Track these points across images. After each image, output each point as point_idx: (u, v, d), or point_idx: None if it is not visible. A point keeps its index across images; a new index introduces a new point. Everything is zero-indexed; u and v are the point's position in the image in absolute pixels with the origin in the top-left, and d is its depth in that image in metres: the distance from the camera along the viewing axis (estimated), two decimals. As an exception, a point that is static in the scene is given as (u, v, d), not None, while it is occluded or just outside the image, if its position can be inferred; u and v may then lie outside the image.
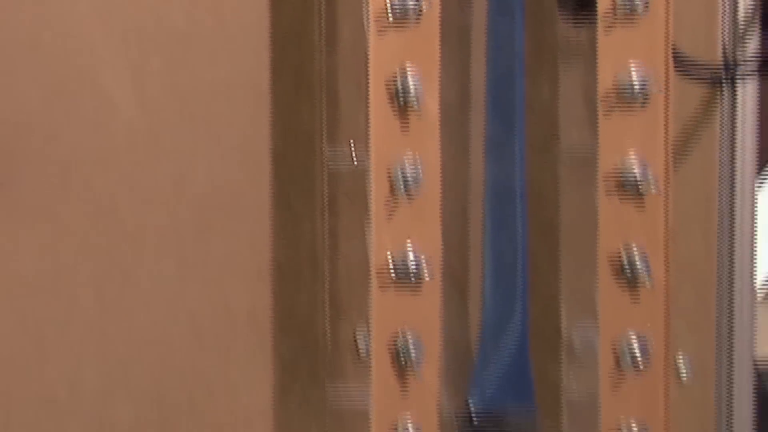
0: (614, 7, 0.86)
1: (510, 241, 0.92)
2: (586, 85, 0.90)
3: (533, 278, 0.94)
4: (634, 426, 0.87)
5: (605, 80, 0.87)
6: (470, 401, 0.94)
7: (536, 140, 0.95)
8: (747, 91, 0.99)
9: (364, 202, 0.90)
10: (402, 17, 0.86)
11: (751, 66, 1.00)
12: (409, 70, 0.87)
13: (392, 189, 0.88)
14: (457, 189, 0.98)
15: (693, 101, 1.00)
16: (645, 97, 0.86)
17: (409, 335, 0.89)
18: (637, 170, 0.86)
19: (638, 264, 0.85)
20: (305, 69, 1.02)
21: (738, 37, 1.00)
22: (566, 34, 0.98)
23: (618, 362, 0.87)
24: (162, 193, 1.02)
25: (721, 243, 0.94)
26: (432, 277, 0.88)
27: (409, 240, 0.88)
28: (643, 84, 0.86)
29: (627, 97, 0.86)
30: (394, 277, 0.88)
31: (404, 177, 0.88)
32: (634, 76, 0.86)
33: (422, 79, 0.87)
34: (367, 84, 0.87)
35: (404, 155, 0.88)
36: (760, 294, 1.03)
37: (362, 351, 0.98)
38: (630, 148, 0.85)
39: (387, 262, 0.88)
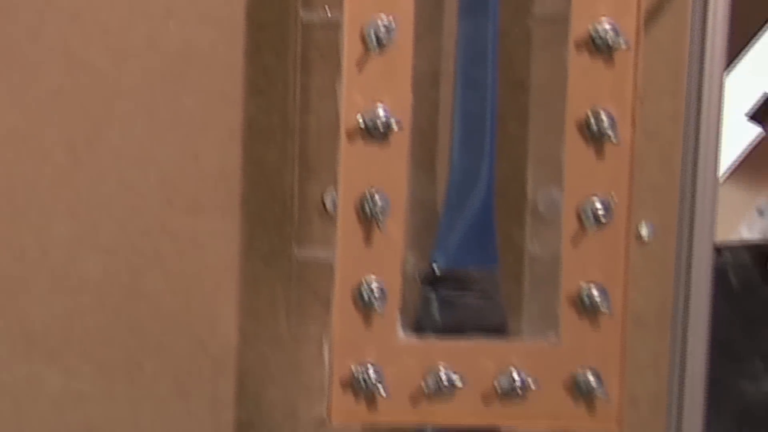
0: None
1: (480, 102, 0.92)
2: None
3: (501, 140, 0.94)
4: (594, 288, 0.89)
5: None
6: (433, 261, 0.95)
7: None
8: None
9: (336, 59, 0.91)
10: None
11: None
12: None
13: (364, 44, 0.89)
14: (429, 49, 0.98)
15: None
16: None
17: (375, 190, 0.90)
18: (607, 25, 0.86)
19: (605, 123, 0.86)
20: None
21: None
22: None
23: (581, 222, 0.88)
24: (135, 50, 1.02)
25: (688, 111, 0.95)
26: (400, 131, 0.88)
27: (379, 95, 0.89)
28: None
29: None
30: (363, 130, 0.89)
31: (377, 33, 0.88)
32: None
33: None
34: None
35: (378, 13, 0.88)
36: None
37: (329, 209, 1.00)
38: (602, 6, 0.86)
39: (356, 117, 0.89)
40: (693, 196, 0.97)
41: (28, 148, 1.04)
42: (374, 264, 0.92)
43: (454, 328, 0.92)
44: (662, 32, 0.97)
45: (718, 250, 1.02)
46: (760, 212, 1.12)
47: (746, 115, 1.09)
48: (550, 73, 0.93)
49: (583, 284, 0.90)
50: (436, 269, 0.94)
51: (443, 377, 0.90)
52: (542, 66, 0.96)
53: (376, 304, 0.91)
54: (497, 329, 0.93)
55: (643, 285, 0.95)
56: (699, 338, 0.99)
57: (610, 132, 0.86)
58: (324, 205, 1.01)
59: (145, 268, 1.05)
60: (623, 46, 0.87)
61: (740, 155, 1.10)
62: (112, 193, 1.04)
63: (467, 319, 0.93)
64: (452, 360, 0.90)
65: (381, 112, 0.89)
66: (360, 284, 0.91)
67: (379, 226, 0.90)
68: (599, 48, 0.87)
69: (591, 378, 0.89)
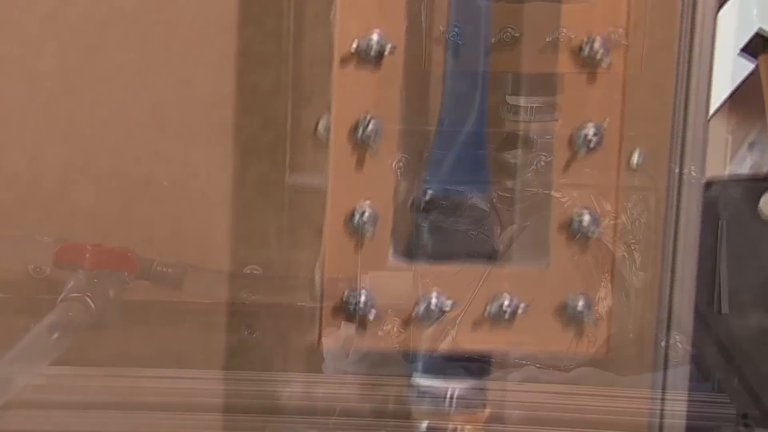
0: None
1: (474, 26, 0.92)
2: None
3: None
4: (586, 213, 0.90)
5: None
6: (425, 188, 0.96)
7: None
8: None
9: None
10: None
11: None
12: None
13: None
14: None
15: None
16: None
17: (369, 116, 0.90)
18: None
19: (597, 47, 0.87)
20: None
21: None
22: None
23: (573, 148, 0.89)
24: (129, -23, 1.02)
25: (680, 44, 0.95)
26: (393, 54, 0.89)
27: (373, 21, 0.89)
28: None
29: None
30: (356, 56, 0.89)
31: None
32: None
33: None
34: None
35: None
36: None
37: (322, 135, 1.00)
38: None
39: (350, 43, 0.89)
40: (684, 128, 0.97)
41: (21, 75, 1.03)
42: (366, 190, 0.92)
43: (445, 254, 0.93)
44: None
45: (708, 184, 1.02)
46: (751, 147, 1.13)
47: (739, 50, 1.09)
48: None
49: (575, 211, 0.90)
50: (427, 195, 0.95)
51: (433, 302, 0.90)
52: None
53: (367, 229, 0.91)
54: (488, 255, 0.93)
55: (633, 213, 0.96)
56: (687, 271, 0.99)
57: (604, 58, 0.87)
58: (317, 131, 1.01)
59: (137, 195, 1.05)
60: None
61: (732, 90, 1.10)
62: (105, 120, 1.04)
63: (458, 245, 0.93)
64: (442, 285, 0.91)
65: (375, 38, 0.89)
66: (352, 210, 0.92)
67: (371, 152, 0.91)
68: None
69: (580, 304, 0.90)
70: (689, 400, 0.89)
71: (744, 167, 1.13)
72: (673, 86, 0.92)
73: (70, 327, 0.92)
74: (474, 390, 0.93)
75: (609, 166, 0.88)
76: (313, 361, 0.96)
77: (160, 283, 1.02)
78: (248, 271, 1.06)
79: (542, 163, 0.91)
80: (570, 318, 0.91)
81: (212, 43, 1.02)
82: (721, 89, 1.10)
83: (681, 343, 0.94)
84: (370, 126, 0.90)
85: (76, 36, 1.02)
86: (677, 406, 0.89)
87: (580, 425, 0.89)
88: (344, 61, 0.90)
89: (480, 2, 0.92)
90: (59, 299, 0.96)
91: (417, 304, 0.90)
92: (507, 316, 0.90)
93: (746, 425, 0.89)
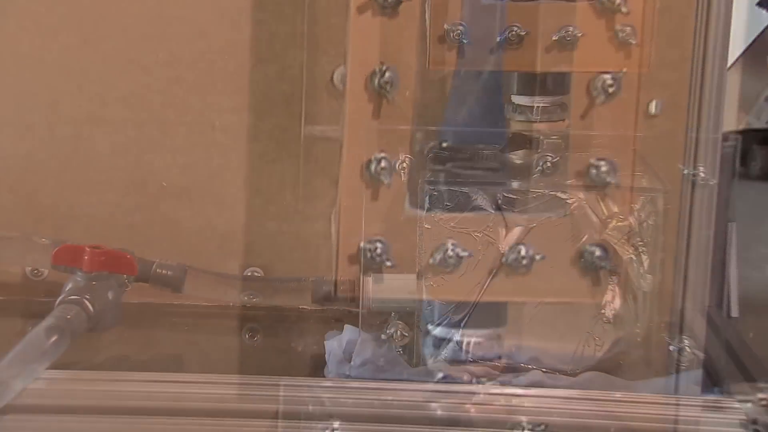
0: None
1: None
2: None
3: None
4: (603, 163, 0.89)
5: None
6: (443, 140, 0.95)
7: None
8: None
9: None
10: None
11: None
12: None
13: None
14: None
15: None
16: None
17: (385, 64, 0.90)
18: None
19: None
20: None
21: None
22: None
23: (591, 96, 0.89)
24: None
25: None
26: (410, 1, 0.88)
27: (389, -33, 0.89)
28: None
29: None
30: (373, 3, 0.89)
31: None
32: None
33: None
34: None
35: None
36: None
37: (338, 85, 0.99)
38: None
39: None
40: (702, 78, 0.97)
41: (35, 27, 1.04)
42: (382, 139, 0.92)
43: (461, 205, 0.92)
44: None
45: (725, 136, 1.02)
46: (768, 100, 1.13)
47: (756, 3, 1.09)
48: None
49: (591, 161, 0.90)
50: (444, 145, 0.94)
51: (450, 251, 0.90)
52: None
53: (384, 177, 0.91)
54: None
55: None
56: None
57: (623, 5, 0.86)
58: (333, 82, 1.01)
59: (152, 145, 1.05)
60: None
61: (749, 43, 1.09)
62: (120, 71, 1.04)
63: (473, 194, 0.93)
64: (459, 235, 0.90)
65: (391, -20, 0.89)
66: (368, 160, 0.91)
67: (387, 100, 0.90)
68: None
69: (598, 252, 0.90)
70: (698, 406, 0.88)
71: (762, 120, 1.13)
72: (691, 37, 0.91)
73: (68, 330, 0.90)
74: (489, 340, 0.92)
75: (626, 111, 0.88)
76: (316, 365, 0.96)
77: (160, 286, 1.01)
78: (249, 274, 1.07)
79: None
80: (587, 266, 0.91)
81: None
82: (738, 41, 1.09)
83: (690, 347, 0.92)
84: (387, 75, 0.90)
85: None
86: (687, 412, 0.88)
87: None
88: (361, 8, 0.90)
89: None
90: (57, 302, 0.95)
91: (433, 252, 0.90)
92: (524, 263, 0.90)
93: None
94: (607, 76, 0.88)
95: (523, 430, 0.82)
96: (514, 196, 0.88)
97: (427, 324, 0.92)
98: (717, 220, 0.93)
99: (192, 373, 0.92)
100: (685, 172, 0.91)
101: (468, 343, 0.91)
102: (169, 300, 1.04)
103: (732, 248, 1.04)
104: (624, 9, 0.87)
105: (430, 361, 0.91)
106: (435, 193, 0.90)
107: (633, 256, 0.89)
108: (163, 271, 1.01)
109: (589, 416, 0.84)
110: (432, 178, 0.91)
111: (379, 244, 0.92)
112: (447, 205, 0.90)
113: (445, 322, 0.91)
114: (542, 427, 0.82)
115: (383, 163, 0.92)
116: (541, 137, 0.90)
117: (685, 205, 0.93)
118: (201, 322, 1.06)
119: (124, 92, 1.04)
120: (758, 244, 1.11)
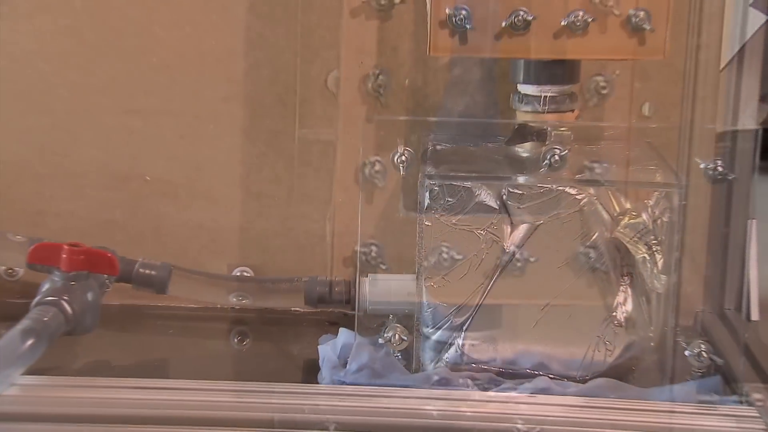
0: None
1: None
2: None
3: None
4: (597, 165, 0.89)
5: None
6: (435, 140, 0.95)
7: None
8: None
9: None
10: None
11: None
12: None
13: None
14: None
15: None
16: None
17: (379, 67, 0.90)
18: None
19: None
20: None
21: None
22: None
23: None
24: None
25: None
26: (404, 4, 0.88)
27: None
28: None
29: None
30: (366, 5, 0.89)
31: None
32: None
33: None
34: None
35: None
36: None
37: (332, 88, 0.99)
38: None
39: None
40: (695, 80, 0.96)
41: (30, 30, 1.03)
42: (377, 141, 0.91)
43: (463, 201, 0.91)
44: None
45: (720, 137, 1.02)
46: (763, 99, 1.12)
47: (750, 4, 1.09)
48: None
49: (585, 163, 0.89)
50: (438, 148, 0.94)
51: (444, 253, 0.88)
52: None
53: (378, 180, 0.90)
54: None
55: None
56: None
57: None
58: (327, 85, 1.00)
59: (146, 149, 1.04)
60: None
61: (743, 43, 1.09)
62: (114, 74, 1.03)
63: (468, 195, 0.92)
64: (461, 233, 0.88)
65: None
66: (363, 162, 0.91)
67: (381, 103, 0.90)
68: None
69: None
70: (716, 414, 0.86)
71: (755, 120, 1.13)
72: (684, 33, 0.91)
73: (45, 333, 0.87)
74: (492, 344, 0.91)
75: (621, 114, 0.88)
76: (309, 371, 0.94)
77: (143, 286, 0.98)
78: (238, 274, 1.05)
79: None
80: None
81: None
82: (732, 42, 1.09)
83: (708, 352, 0.90)
84: (380, 78, 0.90)
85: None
86: (703, 421, 0.85)
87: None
88: (354, 12, 0.90)
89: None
90: (33, 303, 0.92)
91: (428, 255, 0.88)
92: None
93: (775, 440, 0.85)
94: (600, 78, 0.88)
95: None
96: (520, 192, 0.87)
97: (427, 327, 0.91)
98: (736, 217, 0.92)
99: (177, 379, 0.88)
100: (702, 166, 0.89)
101: (471, 347, 0.90)
102: (153, 302, 1.03)
103: (752, 247, 1.02)
104: (616, 12, 0.85)
105: (430, 367, 0.89)
106: (435, 189, 0.88)
107: (646, 256, 0.87)
108: (147, 271, 0.98)
109: (595, 426, 0.81)
110: (431, 172, 0.89)
111: (374, 248, 0.92)
112: (448, 201, 0.88)
113: (447, 325, 0.89)
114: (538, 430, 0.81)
115: (377, 166, 0.91)
116: (549, 129, 0.89)
117: (702, 201, 0.92)
118: (187, 325, 1.04)
119: (117, 96, 1.03)
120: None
